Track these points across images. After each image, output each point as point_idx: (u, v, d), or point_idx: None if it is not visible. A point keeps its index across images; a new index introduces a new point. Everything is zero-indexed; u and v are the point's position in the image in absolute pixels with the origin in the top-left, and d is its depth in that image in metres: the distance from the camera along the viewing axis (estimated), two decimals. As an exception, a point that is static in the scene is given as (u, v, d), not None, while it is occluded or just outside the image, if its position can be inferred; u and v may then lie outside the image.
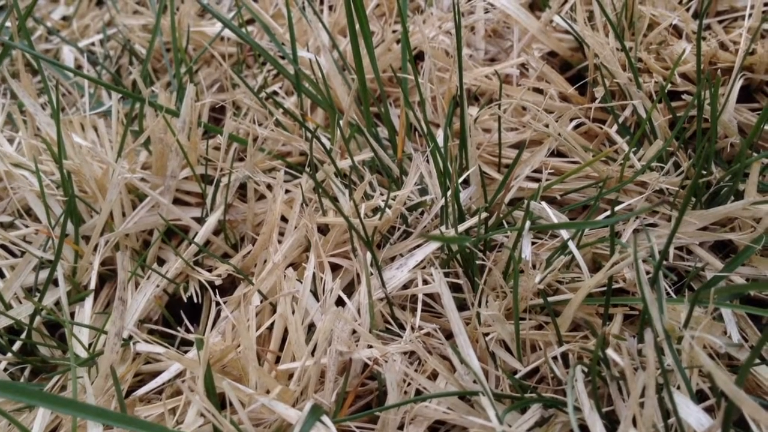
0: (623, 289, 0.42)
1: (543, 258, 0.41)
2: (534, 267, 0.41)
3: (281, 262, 0.40)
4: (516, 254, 0.37)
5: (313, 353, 0.37)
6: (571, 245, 0.38)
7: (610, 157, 0.47)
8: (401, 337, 0.37)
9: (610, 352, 0.32)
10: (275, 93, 0.56)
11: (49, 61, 0.45)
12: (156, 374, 0.40)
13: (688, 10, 0.56)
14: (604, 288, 0.38)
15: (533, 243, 0.43)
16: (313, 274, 0.40)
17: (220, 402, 0.36)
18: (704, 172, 0.44)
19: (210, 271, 0.45)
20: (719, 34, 0.55)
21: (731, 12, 0.57)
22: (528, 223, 0.37)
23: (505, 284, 0.39)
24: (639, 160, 0.45)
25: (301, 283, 0.40)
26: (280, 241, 0.43)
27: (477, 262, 0.39)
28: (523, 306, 0.39)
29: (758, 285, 0.39)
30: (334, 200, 0.43)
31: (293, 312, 0.38)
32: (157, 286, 0.44)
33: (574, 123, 0.49)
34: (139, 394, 0.38)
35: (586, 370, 0.36)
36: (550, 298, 0.40)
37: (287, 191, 0.47)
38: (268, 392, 0.34)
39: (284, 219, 0.45)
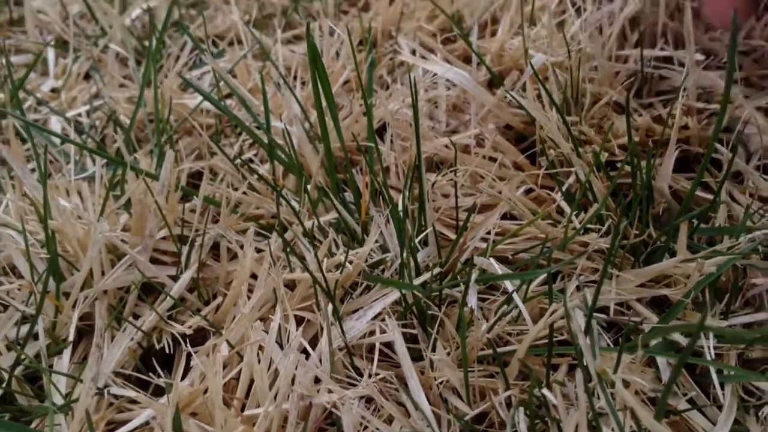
0: (567, 341, 0.45)
1: (493, 312, 0.45)
2: (486, 320, 0.44)
3: (249, 314, 0.43)
4: (465, 305, 0.40)
5: (275, 398, 0.39)
6: (515, 297, 0.41)
7: (556, 219, 0.51)
8: (359, 383, 0.40)
9: (546, 392, 0.35)
10: (250, 160, 0.61)
11: (38, 128, 0.49)
12: (128, 422, 0.42)
13: (630, 89, 0.61)
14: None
15: (485, 299, 0.47)
16: (279, 325, 0.43)
17: (188, 445, 0.38)
18: (640, 234, 0.48)
19: (182, 325, 0.48)
20: (659, 111, 0.60)
21: (672, 92, 0.63)
22: (474, 275, 0.40)
23: (457, 335, 0.42)
24: (581, 222, 0.49)
25: (267, 333, 0.43)
26: (249, 297, 0.47)
27: (430, 313, 0.43)
28: (473, 356, 0.42)
29: (680, 327, 0.42)
30: (302, 258, 0.47)
31: (259, 361, 0.41)
32: (132, 338, 0.46)
33: (523, 188, 0.53)
34: (112, 439, 0.41)
35: (528, 413, 0.39)
36: (498, 349, 0.43)
37: (258, 250, 0.50)
38: (233, 434, 0.37)
39: (254, 277, 0.48)
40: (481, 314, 0.45)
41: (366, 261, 0.47)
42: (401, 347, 0.39)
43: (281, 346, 0.44)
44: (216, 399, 0.37)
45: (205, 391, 0.39)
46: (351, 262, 0.45)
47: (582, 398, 0.34)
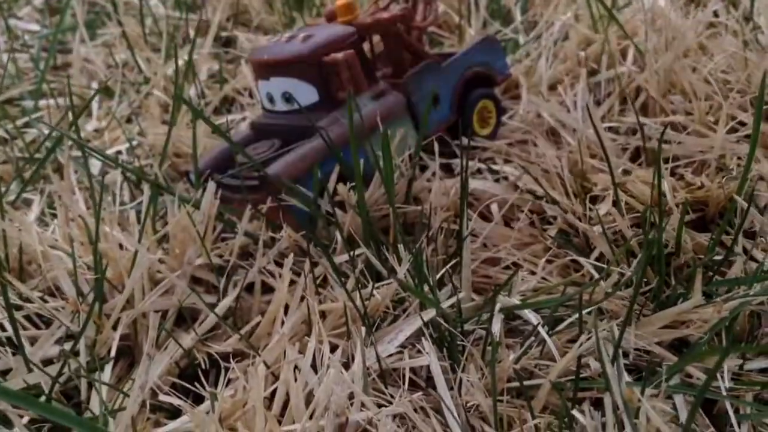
0: (591, 377, 0.47)
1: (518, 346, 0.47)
2: (512, 352, 0.46)
3: (286, 334, 0.45)
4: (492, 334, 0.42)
5: (311, 417, 0.41)
6: (541, 330, 0.43)
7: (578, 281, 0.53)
8: (392, 404, 0.42)
9: (576, 413, 0.37)
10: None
11: (96, 154, 0.52)
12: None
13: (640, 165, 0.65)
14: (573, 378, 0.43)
15: (510, 333, 0.49)
16: (314, 348, 0.45)
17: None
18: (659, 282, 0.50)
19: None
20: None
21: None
22: (498, 305, 0.43)
23: (484, 365, 0.44)
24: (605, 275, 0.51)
25: (303, 355, 0.45)
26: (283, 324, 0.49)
27: (459, 343, 0.45)
28: (500, 386, 0.44)
29: (697, 358, 0.43)
30: (339, 282, 0.49)
31: (295, 380, 0.43)
32: (171, 358, 0.48)
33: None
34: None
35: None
36: (525, 382, 0.45)
37: (291, 282, 0.53)
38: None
39: (286, 310, 0.51)
40: (506, 348, 0.47)
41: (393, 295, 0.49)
42: (436, 367, 0.41)
43: (315, 371, 0.46)
44: (258, 407, 0.39)
45: (245, 404, 0.41)
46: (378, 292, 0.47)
47: (611, 420, 0.35)
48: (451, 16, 0.96)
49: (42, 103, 0.86)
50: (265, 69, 0.61)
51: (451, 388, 0.44)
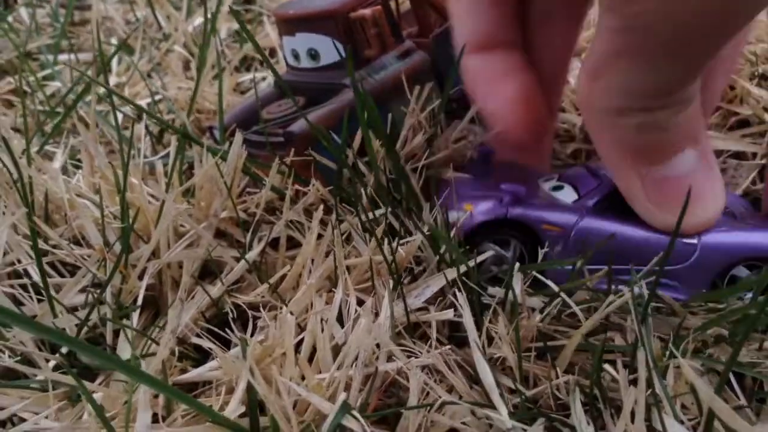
0: (613, 340, 0.47)
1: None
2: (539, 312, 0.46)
3: (314, 284, 0.45)
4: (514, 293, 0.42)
5: (339, 367, 0.41)
6: (563, 296, 0.43)
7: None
8: (421, 356, 0.42)
9: (607, 366, 0.37)
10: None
11: (124, 99, 0.52)
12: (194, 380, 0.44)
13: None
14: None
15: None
16: (341, 299, 0.45)
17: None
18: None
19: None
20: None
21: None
22: (517, 264, 0.43)
23: (508, 321, 0.44)
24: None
25: (330, 304, 0.45)
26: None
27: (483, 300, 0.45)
28: (524, 345, 0.44)
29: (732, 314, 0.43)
30: (364, 238, 0.49)
31: (322, 330, 0.43)
32: (198, 307, 0.48)
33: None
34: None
35: (583, 398, 0.40)
36: (549, 343, 0.45)
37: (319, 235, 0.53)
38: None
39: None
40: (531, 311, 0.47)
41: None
42: (468, 318, 0.41)
43: (341, 324, 0.46)
44: (289, 353, 0.39)
45: (274, 351, 0.41)
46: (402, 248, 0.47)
47: (642, 374, 0.35)
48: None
49: (61, 57, 0.86)
50: (292, 24, 0.61)
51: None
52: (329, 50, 0.60)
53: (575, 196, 0.50)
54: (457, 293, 0.43)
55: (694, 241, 0.45)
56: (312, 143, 0.54)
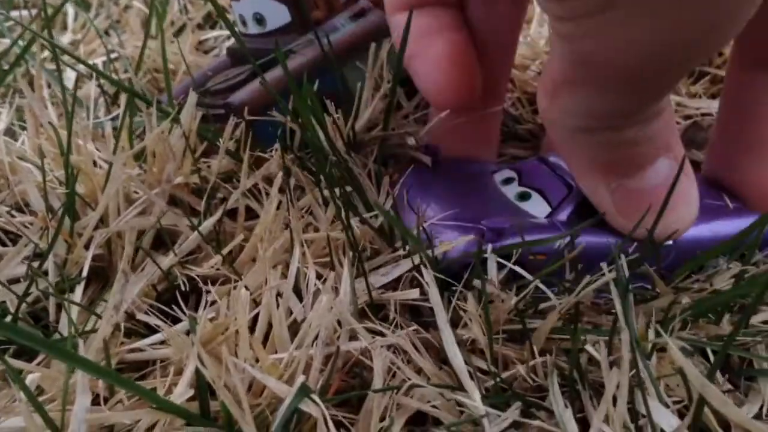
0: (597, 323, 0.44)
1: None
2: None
3: (269, 259, 0.42)
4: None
5: (298, 346, 0.38)
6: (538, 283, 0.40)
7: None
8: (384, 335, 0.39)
9: (587, 347, 0.34)
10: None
11: (74, 57, 0.48)
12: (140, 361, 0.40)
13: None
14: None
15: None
16: (298, 270, 0.42)
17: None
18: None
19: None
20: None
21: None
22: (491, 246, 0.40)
23: (476, 303, 0.40)
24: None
25: (287, 278, 0.41)
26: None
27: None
28: (497, 328, 0.41)
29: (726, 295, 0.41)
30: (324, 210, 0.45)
31: (278, 306, 0.40)
32: (147, 280, 0.45)
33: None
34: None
35: (560, 380, 0.38)
36: (524, 324, 0.42)
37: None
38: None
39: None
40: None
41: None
42: (436, 297, 0.38)
43: (299, 298, 0.42)
44: (243, 332, 0.36)
45: (227, 329, 0.38)
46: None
47: (626, 355, 0.33)
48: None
49: (14, 14, 0.81)
50: (236, -13, 0.56)
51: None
52: (274, 14, 0.56)
53: (546, 207, 0.46)
54: (423, 270, 0.40)
55: (670, 242, 0.43)
56: (254, 114, 0.50)
